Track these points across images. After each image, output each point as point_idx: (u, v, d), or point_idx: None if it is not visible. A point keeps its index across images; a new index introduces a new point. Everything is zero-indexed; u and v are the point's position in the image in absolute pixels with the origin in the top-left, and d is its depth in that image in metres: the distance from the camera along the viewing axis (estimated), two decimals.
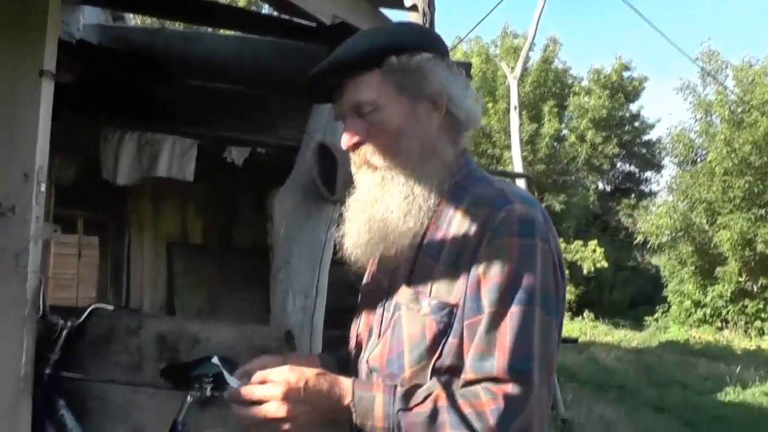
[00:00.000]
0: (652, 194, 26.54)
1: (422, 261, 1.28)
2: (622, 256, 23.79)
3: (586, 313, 20.21)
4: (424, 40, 1.33)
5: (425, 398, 1.15)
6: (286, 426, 1.12)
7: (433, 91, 1.29)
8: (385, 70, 1.28)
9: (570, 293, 20.48)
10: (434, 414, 1.14)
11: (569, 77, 26.03)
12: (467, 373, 1.18)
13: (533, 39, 12.47)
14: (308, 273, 3.03)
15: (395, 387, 1.17)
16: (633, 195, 26.08)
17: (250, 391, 1.15)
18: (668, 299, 19.82)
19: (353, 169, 1.36)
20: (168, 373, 2.91)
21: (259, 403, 1.14)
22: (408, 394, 1.16)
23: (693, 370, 11.82)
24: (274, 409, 1.12)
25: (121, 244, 6.36)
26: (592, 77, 25.29)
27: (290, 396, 1.12)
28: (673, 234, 19.60)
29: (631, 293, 23.14)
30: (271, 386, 1.14)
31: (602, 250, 20.43)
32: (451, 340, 1.21)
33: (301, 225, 2.99)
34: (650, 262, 24.42)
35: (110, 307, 3.31)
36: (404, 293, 1.29)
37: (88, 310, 3.14)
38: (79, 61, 3.73)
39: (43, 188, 2.81)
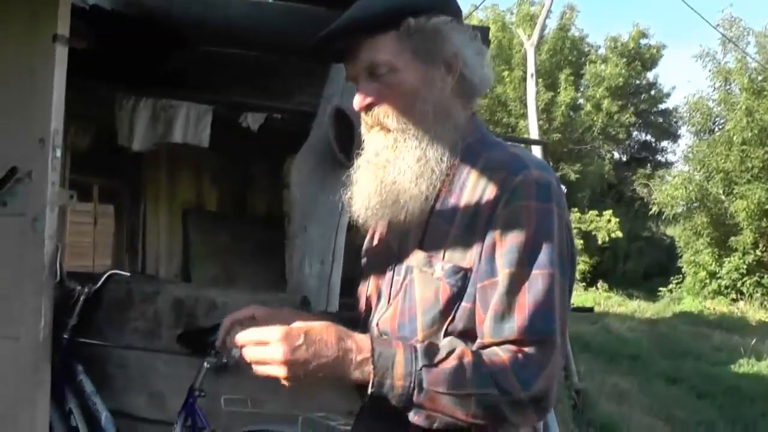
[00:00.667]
0: (668, 164, 26.27)
1: (435, 224, 1.27)
2: (636, 227, 23.61)
3: (599, 284, 20.16)
4: (440, 1, 1.30)
5: (448, 354, 1.12)
6: (283, 370, 1.07)
7: (448, 54, 1.28)
8: (402, 32, 1.26)
9: (584, 263, 20.44)
10: (459, 370, 1.11)
11: (586, 45, 25.67)
12: (484, 337, 1.17)
13: (551, 6, 12.27)
14: (325, 239, 3.02)
15: (414, 346, 1.14)
16: (649, 164, 25.78)
17: (248, 333, 1.12)
18: (683, 270, 19.69)
19: (363, 130, 1.34)
20: (185, 339, 2.91)
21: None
22: (430, 350, 1.13)
23: (707, 341, 11.79)
24: (270, 351, 1.08)
25: (137, 211, 6.38)
26: (609, 45, 24.92)
27: (288, 339, 1.07)
28: (689, 204, 19.42)
29: (645, 264, 22.99)
30: (268, 328, 1.11)
31: (617, 220, 20.31)
32: (464, 305, 1.20)
33: (317, 191, 2.96)
34: (665, 232, 24.23)
35: (127, 274, 3.32)
36: (417, 257, 1.27)
37: (105, 276, 3.15)
38: (93, 28, 3.70)
39: (58, 153, 2.80)
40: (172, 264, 6.51)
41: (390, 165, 1.27)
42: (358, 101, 1.30)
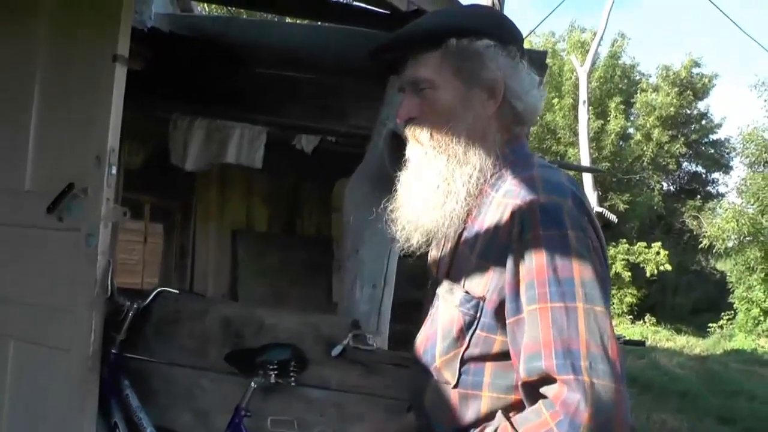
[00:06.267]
0: (718, 196, 25.65)
1: (460, 251, 1.31)
2: (686, 260, 23.04)
3: (647, 317, 19.68)
4: (490, 24, 1.34)
5: None
6: None
7: (489, 78, 1.31)
8: (445, 52, 1.31)
9: (632, 296, 20.04)
10: None
11: (637, 73, 25.36)
12: (522, 374, 1.17)
13: (603, 33, 12.20)
14: (377, 263, 2.99)
15: None
16: (699, 196, 25.19)
17: None
18: (734, 306, 19.10)
19: (407, 143, 1.40)
20: (232, 359, 2.90)
21: None
22: None
23: (761, 381, 11.35)
24: None
25: (187, 230, 6.44)
26: (660, 73, 24.54)
27: None
28: (741, 238, 18.90)
29: (694, 298, 22.39)
30: None
31: (666, 252, 19.84)
32: (479, 333, 1.23)
33: (370, 214, 2.93)
34: (715, 266, 23.60)
35: (176, 291, 3.33)
36: (444, 284, 1.33)
37: (154, 292, 3.16)
38: (151, 49, 3.77)
39: (114, 171, 2.84)
40: (221, 284, 6.54)
41: (418, 180, 1.33)
42: (399, 114, 1.37)
